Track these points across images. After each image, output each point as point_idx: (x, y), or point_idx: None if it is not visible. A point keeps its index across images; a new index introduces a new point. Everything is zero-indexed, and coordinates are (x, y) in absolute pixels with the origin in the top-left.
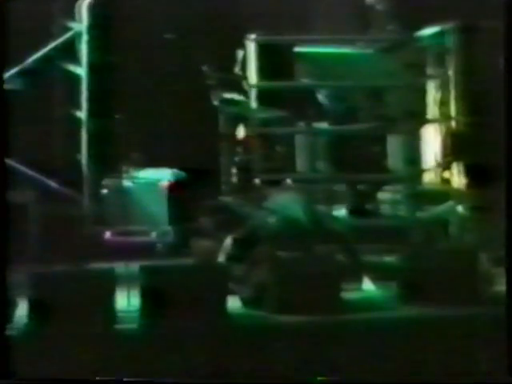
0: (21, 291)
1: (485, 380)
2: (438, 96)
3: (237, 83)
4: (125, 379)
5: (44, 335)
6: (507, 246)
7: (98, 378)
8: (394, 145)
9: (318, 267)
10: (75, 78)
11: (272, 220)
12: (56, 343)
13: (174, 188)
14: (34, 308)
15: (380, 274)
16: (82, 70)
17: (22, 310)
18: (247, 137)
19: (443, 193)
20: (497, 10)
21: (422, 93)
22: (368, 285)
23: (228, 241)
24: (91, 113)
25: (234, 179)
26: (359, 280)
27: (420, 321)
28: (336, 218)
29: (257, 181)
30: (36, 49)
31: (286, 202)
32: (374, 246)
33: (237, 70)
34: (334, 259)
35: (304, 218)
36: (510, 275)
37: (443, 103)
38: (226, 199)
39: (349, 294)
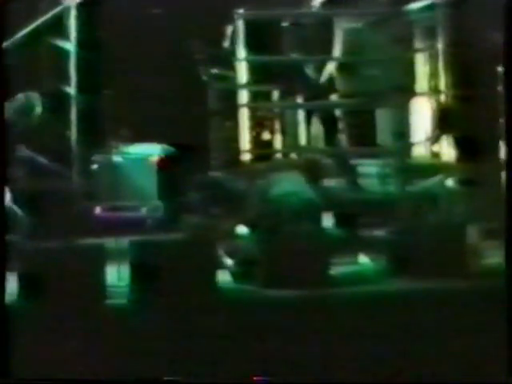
0: (11, 266)
1: (485, 380)
2: (427, 69)
3: (225, 58)
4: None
5: (34, 311)
6: (507, 245)
7: (99, 379)
8: (382, 118)
9: (308, 241)
10: (64, 54)
11: (263, 196)
12: (47, 319)
13: (164, 163)
14: (24, 283)
15: (370, 247)
16: (70, 46)
17: (12, 286)
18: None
19: (433, 166)
20: None
21: (411, 66)
22: (359, 259)
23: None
24: (80, 88)
25: (224, 154)
26: (350, 254)
27: (410, 295)
28: (326, 191)
29: (247, 156)
30: (25, 24)
31: (275, 177)
32: (363, 220)
33: (225, 44)
34: (325, 233)
35: (293, 192)
36: (510, 272)
37: (432, 76)
38: (216, 174)
39: (338, 268)
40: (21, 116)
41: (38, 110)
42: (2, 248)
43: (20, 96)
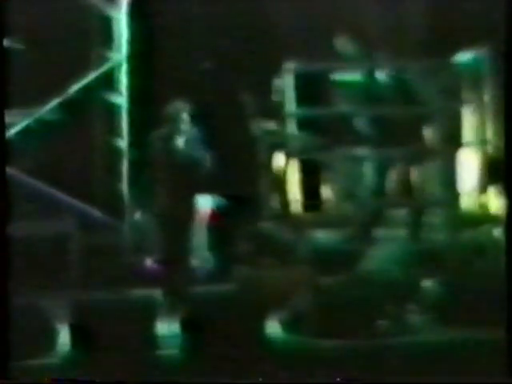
0: (62, 318)
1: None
2: (474, 120)
3: (275, 111)
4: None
5: (86, 362)
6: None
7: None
8: (430, 169)
9: (358, 292)
10: (115, 108)
11: (309, 244)
12: (98, 369)
13: (215, 217)
14: (75, 335)
15: (419, 296)
16: (122, 100)
17: (63, 338)
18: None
19: (480, 216)
20: None
21: (458, 117)
22: (406, 308)
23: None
24: (131, 142)
25: (274, 205)
26: (400, 304)
27: (456, 344)
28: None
29: (296, 206)
30: (76, 79)
31: (325, 226)
32: (412, 270)
33: (275, 97)
34: (373, 283)
35: (343, 241)
36: (510, 276)
37: (479, 127)
38: (266, 225)
39: (387, 318)
40: None
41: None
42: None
43: None
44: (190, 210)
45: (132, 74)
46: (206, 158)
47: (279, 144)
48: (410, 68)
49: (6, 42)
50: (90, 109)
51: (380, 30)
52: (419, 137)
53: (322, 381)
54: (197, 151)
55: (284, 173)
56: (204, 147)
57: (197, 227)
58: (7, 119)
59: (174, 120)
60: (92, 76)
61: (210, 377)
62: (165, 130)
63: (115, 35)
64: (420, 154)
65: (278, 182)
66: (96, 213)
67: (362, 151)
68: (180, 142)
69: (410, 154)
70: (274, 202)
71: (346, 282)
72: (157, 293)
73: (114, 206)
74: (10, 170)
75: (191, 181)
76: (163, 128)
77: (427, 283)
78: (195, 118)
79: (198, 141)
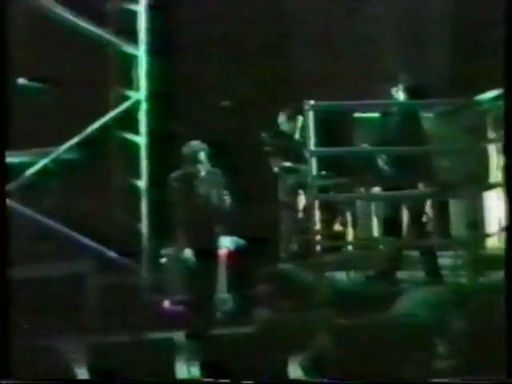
0: (82, 361)
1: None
2: (499, 159)
3: (296, 150)
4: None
5: None
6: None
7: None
8: (455, 209)
9: (379, 334)
10: (134, 147)
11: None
12: None
13: (233, 256)
14: (94, 378)
15: (445, 340)
16: (141, 139)
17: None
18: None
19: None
20: None
21: (483, 156)
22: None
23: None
24: (150, 182)
25: (294, 246)
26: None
27: None
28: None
29: (317, 248)
30: (95, 118)
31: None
32: (437, 313)
33: (296, 136)
34: (394, 325)
35: (366, 283)
36: (510, 279)
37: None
38: (286, 266)
39: (411, 359)
40: None
41: None
42: None
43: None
44: (209, 251)
45: (151, 113)
46: (225, 199)
47: (299, 184)
48: (433, 106)
49: (21, 80)
50: (108, 148)
51: (403, 70)
52: (443, 176)
53: None
54: (216, 192)
55: (304, 213)
56: (223, 188)
57: (216, 268)
58: (25, 159)
59: (193, 160)
60: (111, 115)
61: None
62: (183, 171)
63: (134, 74)
64: (444, 194)
65: (299, 223)
66: (112, 254)
67: (384, 191)
68: (199, 182)
69: (433, 194)
70: (294, 243)
71: (368, 325)
72: (176, 335)
73: (132, 246)
74: (27, 210)
75: (211, 222)
76: (181, 169)
77: (453, 326)
78: (214, 158)
79: (217, 182)
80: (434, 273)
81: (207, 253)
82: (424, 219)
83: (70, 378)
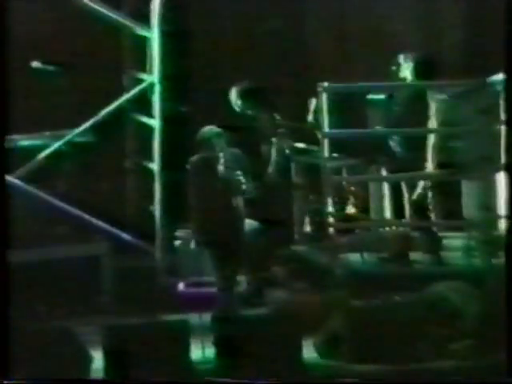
0: (96, 343)
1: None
2: None
3: (309, 132)
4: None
5: None
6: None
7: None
8: (468, 191)
9: (393, 315)
10: (148, 130)
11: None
12: None
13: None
14: (109, 360)
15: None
16: (154, 122)
17: (97, 363)
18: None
19: None
20: None
21: (497, 137)
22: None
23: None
24: (164, 164)
25: (308, 228)
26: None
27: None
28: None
29: (330, 230)
30: (108, 101)
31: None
32: (451, 293)
33: (309, 118)
34: (410, 306)
35: (378, 265)
36: (510, 278)
37: None
38: (300, 248)
39: (426, 342)
40: None
41: None
42: None
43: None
44: (229, 233)
45: (165, 95)
46: (243, 183)
47: (313, 165)
48: (447, 88)
49: (35, 64)
50: (122, 131)
51: (418, 51)
52: (456, 157)
53: None
54: (234, 176)
55: (318, 195)
56: (241, 172)
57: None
58: (39, 142)
59: (211, 145)
60: (125, 98)
61: None
62: (202, 155)
63: (148, 57)
64: (457, 175)
65: (313, 205)
66: (128, 236)
67: (397, 172)
68: (218, 167)
69: (446, 175)
70: (309, 225)
71: (382, 306)
72: (191, 316)
73: (146, 229)
74: (40, 193)
75: (230, 205)
76: (200, 153)
77: (465, 306)
78: (230, 142)
79: (234, 165)
80: (437, 254)
81: (229, 236)
82: (435, 201)
83: (74, 372)
